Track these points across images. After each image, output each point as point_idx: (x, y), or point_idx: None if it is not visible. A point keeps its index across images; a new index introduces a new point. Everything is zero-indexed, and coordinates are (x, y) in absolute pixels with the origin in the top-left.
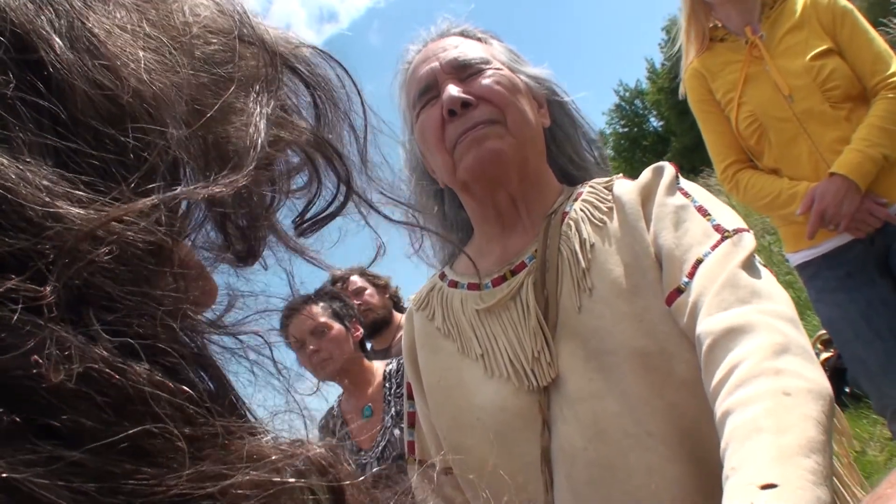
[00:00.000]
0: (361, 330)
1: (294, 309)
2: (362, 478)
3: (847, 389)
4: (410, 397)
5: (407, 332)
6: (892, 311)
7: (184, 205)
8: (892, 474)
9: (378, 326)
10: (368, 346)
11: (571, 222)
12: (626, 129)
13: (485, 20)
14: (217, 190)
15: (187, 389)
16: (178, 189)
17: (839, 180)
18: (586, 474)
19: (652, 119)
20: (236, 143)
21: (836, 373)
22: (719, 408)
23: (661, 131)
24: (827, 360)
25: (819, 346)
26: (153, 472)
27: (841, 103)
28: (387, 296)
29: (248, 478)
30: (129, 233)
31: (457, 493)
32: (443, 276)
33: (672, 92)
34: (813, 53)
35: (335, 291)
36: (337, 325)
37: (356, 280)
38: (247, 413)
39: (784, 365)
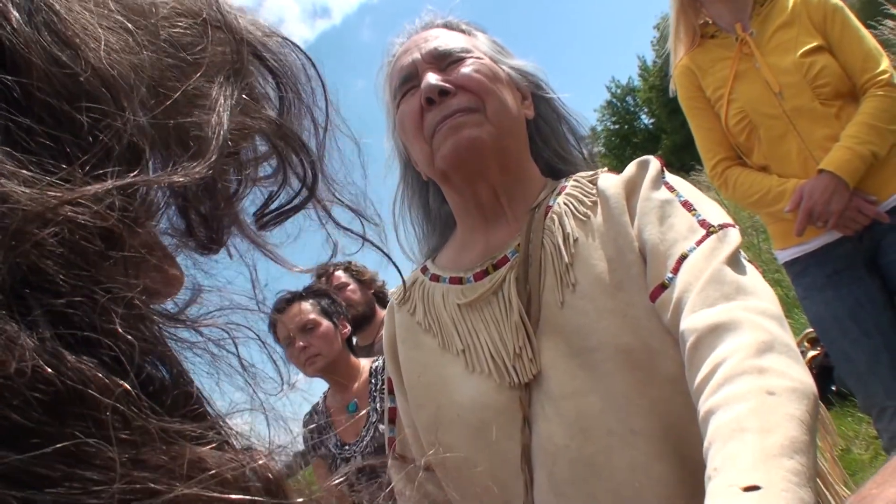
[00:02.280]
0: (349, 327)
1: (283, 305)
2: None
3: (833, 388)
4: (391, 393)
5: (388, 326)
6: (880, 309)
7: (142, 189)
8: (878, 475)
9: (359, 322)
10: (354, 341)
11: (555, 216)
12: (617, 126)
13: (478, 15)
14: (177, 179)
15: (124, 385)
16: (136, 176)
17: (828, 177)
18: (568, 472)
19: (643, 116)
20: (199, 130)
21: (822, 371)
22: (703, 406)
23: (652, 129)
24: (814, 358)
25: (806, 343)
26: (87, 476)
27: (831, 100)
28: (371, 291)
29: (188, 492)
30: (79, 215)
31: (437, 489)
32: (424, 270)
33: (663, 90)
34: (803, 50)
35: (323, 288)
36: (325, 322)
37: (340, 275)
38: (206, 408)
39: (768, 363)
